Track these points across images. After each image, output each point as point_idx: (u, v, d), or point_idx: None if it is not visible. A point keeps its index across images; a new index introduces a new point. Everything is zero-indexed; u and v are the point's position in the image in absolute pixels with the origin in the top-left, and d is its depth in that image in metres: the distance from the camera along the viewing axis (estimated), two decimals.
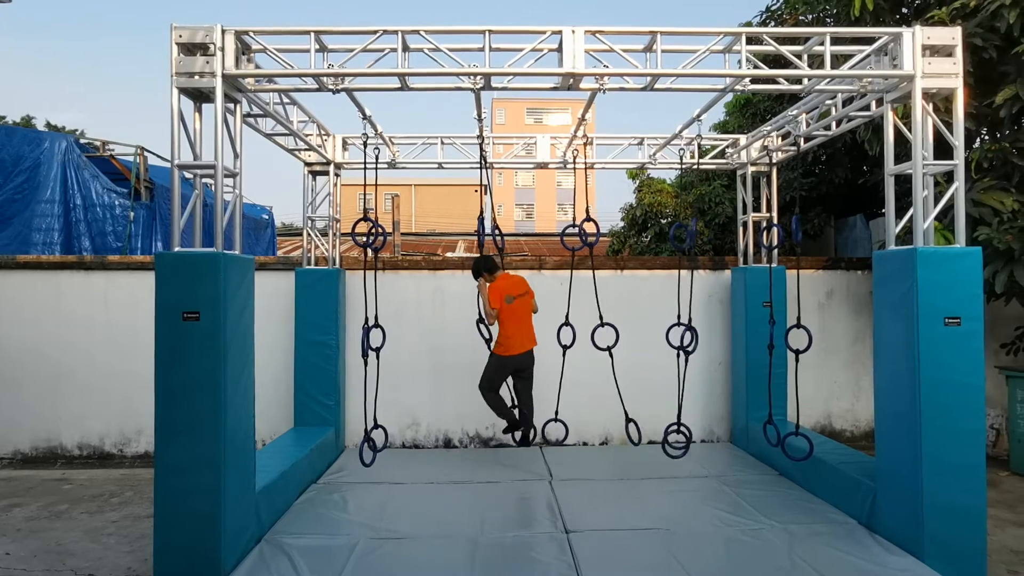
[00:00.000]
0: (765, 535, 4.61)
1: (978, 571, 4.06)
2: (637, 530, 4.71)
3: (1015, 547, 4.67)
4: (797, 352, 5.30)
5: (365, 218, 5.19)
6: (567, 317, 5.59)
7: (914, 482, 4.18)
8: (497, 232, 5.75)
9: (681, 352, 5.40)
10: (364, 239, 5.17)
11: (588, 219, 5.48)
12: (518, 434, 5.91)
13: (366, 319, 5.32)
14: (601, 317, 5.56)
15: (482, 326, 5.87)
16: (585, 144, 6.21)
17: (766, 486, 5.71)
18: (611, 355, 5.47)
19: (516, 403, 5.96)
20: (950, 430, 4.13)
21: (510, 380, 5.93)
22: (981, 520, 4.12)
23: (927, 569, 4.03)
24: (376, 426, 5.28)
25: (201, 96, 4.34)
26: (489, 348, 5.80)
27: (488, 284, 5.73)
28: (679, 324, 5.44)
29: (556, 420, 5.67)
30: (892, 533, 4.42)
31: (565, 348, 5.60)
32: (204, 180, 4.44)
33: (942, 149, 4.52)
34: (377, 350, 5.27)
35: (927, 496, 4.11)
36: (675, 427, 5.49)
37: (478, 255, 5.84)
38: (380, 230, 5.20)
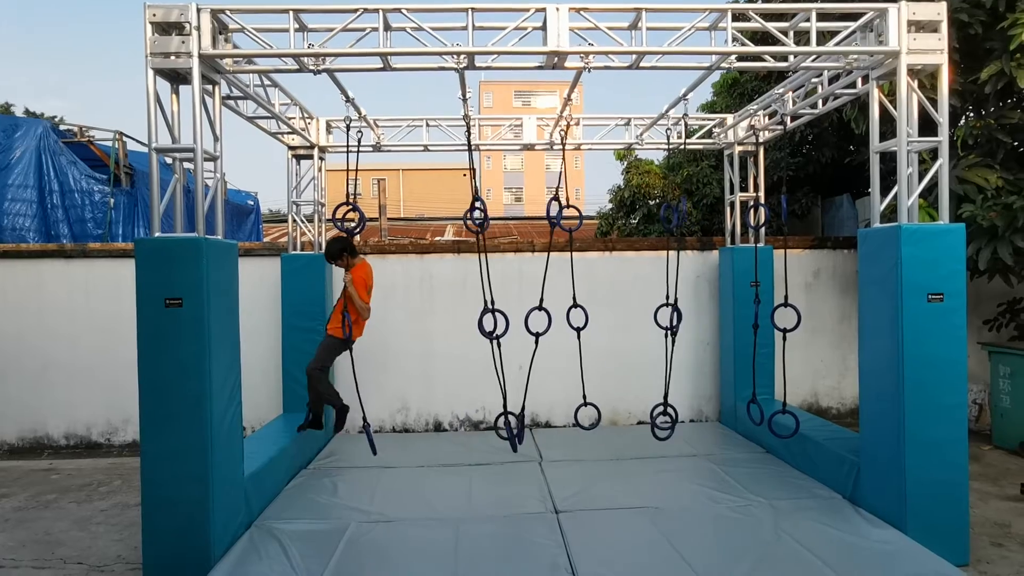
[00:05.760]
0: (752, 511, 4.67)
1: (960, 543, 4.13)
2: (626, 509, 4.75)
3: (998, 520, 4.76)
4: (784, 331, 5.33)
5: (347, 203, 5.05)
6: (574, 300, 5.46)
7: (897, 456, 4.23)
8: (481, 208, 5.34)
9: (668, 332, 5.36)
10: (350, 226, 5.06)
11: (555, 198, 5.27)
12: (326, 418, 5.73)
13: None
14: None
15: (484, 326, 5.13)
16: (569, 125, 6.12)
17: (753, 464, 5.77)
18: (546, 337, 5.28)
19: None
20: (932, 405, 4.18)
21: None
22: (963, 493, 4.18)
23: (910, 541, 4.09)
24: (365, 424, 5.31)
25: (178, 77, 4.24)
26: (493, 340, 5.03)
27: (350, 273, 5.37)
28: (667, 304, 5.43)
29: (586, 404, 5.54)
30: (876, 507, 4.48)
31: (578, 331, 5.42)
32: (184, 164, 4.36)
33: (927, 126, 4.51)
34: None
35: (910, 470, 4.17)
36: (661, 407, 5.47)
37: (337, 237, 5.41)
38: (360, 215, 5.08)
